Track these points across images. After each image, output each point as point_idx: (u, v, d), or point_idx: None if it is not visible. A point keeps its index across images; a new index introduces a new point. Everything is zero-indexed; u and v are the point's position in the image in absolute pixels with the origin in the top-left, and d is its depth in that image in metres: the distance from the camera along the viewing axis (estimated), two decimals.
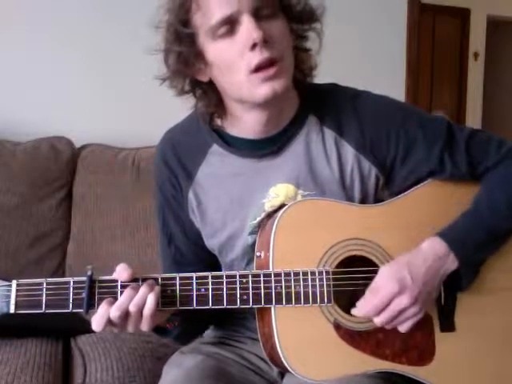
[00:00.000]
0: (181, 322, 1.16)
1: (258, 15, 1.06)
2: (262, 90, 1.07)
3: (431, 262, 1.09)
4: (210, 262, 1.26)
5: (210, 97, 1.16)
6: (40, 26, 2.35)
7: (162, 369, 1.23)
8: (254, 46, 1.05)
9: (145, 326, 1.04)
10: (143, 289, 1.03)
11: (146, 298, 1.02)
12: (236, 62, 1.07)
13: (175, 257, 1.28)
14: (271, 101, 1.09)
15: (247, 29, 1.05)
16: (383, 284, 1.07)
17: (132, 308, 1.01)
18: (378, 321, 1.08)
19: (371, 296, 1.08)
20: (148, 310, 1.02)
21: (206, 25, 1.07)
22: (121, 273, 1.04)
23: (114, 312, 1.01)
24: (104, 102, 2.43)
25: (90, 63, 2.40)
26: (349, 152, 1.18)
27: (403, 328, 1.09)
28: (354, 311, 1.09)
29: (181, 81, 1.16)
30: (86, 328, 1.75)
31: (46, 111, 2.37)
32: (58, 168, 2.12)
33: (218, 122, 1.22)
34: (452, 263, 1.11)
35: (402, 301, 1.06)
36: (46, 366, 1.55)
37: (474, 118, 5.90)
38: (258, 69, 1.06)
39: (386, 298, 1.06)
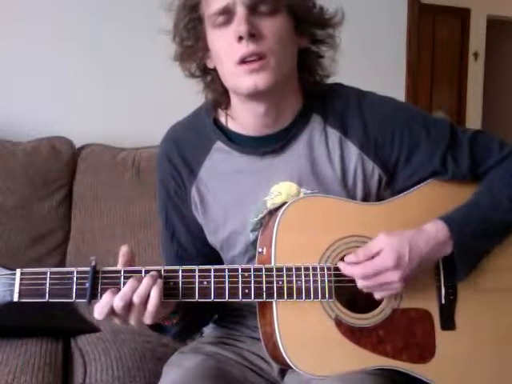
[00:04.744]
0: (181, 318, 1.16)
1: (255, 10, 1.08)
2: (245, 82, 1.10)
3: (431, 245, 1.10)
4: (213, 257, 1.26)
5: (217, 85, 1.18)
6: (40, 26, 2.35)
7: (162, 369, 1.23)
8: (240, 39, 1.07)
9: (148, 319, 1.04)
10: (146, 280, 1.03)
11: (150, 290, 1.02)
12: (226, 51, 1.11)
13: (178, 252, 1.28)
14: (255, 94, 1.11)
15: (237, 21, 1.08)
16: (381, 252, 1.07)
17: (136, 299, 1.02)
18: (361, 285, 1.08)
19: (364, 258, 1.07)
20: (152, 303, 1.02)
21: (207, 13, 1.11)
22: (122, 254, 1.06)
23: (118, 302, 1.01)
24: (104, 102, 2.43)
25: (90, 63, 2.40)
26: (352, 152, 1.18)
27: (378, 296, 1.09)
28: (341, 266, 1.09)
29: (188, 64, 1.19)
30: (86, 328, 1.77)
31: (46, 111, 2.37)
32: (58, 168, 2.12)
33: (222, 118, 1.23)
34: (447, 248, 1.11)
35: (392, 276, 1.06)
36: (46, 366, 1.55)
37: (474, 118, 5.90)
38: (244, 61, 1.08)
39: (378, 269, 1.06)
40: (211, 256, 1.27)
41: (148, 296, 1.02)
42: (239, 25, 1.07)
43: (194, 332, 1.34)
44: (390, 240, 1.08)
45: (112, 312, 1.02)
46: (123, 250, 1.08)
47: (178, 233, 1.28)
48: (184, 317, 1.16)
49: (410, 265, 1.07)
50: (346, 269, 1.09)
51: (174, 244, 1.29)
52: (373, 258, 1.07)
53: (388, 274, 1.06)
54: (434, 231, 1.10)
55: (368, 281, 1.07)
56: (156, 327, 1.16)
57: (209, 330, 1.37)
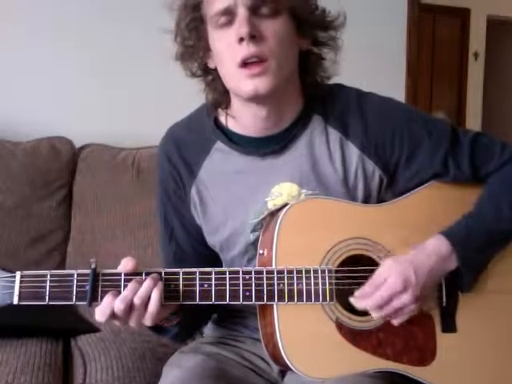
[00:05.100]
0: (181, 319, 1.16)
1: (256, 11, 1.08)
2: (246, 86, 1.10)
3: (434, 261, 1.10)
4: (211, 258, 1.26)
5: (218, 85, 1.18)
6: (41, 26, 2.35)
7: (162, 369, 1.23)
8: (241, 40, 1.07)
9: (148, 321, 1.04)
10: (147, 282, 1.03)
11: (151, 292, 1.02)
12: (227, 52, 1.10)
13: (176, 253, 1.28)
14: (256, 98, 1.11)
15: (238, 22, 1.08)
16: (387, 279, 1.07)
17: (136, 301, 1.01)
18: (377, 315, 1.08)
19: (373, 289, 1.07)
20: (153, 305, 1.02)
21: (209, 13, 1.11)
22: (126, 264, 1.04)
23: (119, 304, 1.01)
24: (104, 102, 2.43)
25: (90, 63, 2.40)
26: (353, 152, 1.18)
27: (397, 322, 1.09)
28: (352, 300, 1.09)
29: (189, 64, 1.19)
30: (86, 328, 1.77)
31: (46, 111, 2.37)
32: (58, 168, 2.12)
33: (223, 119, 1.23)
34: (452, 263, 1.11)
35: (404, 299, 1.06)
36: (46, 366, 1.55)
37: (474, 118, 5.90)
38: (245, 64, 1.08)
39: (388, 295, 1.06)
40: (209, 257, 1.27)
41: (149, 298, 1.02)
42: (240, 26, 1.07)
43: (193, 332, 1.34)
44: (392, 265, 1.08)
45: (113, 314, 1.02)
46: (130, 264, 1.05)
47: (176, 233, 1.28)
48: (184, 317, 1.16)
49: (418, 285, 1.07)
50: (358, 303, 1.09)
51: (172, 244, 1.29)
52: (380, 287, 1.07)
53: (400, 299, 1.06)
54: (436, 247, 1.10)
55: (382, 310, 1.07)
56: (156, 328, 1.16)
57: (209, 330, 1.37)
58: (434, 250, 1.10)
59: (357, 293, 1.09)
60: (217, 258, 1.28)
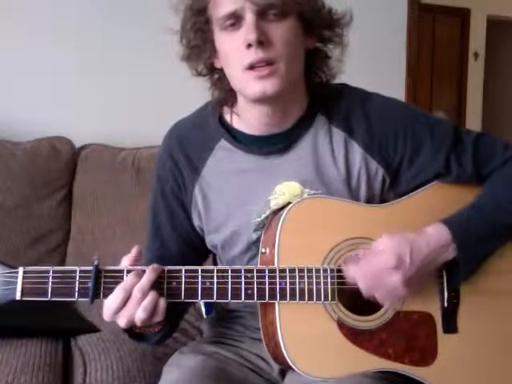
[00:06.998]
0: (163, 326, 1.14)
1: (263, 15, 1.08)
2: (253, 88, 1.09)
3: (433, 247, 1.09)
4: (192, 261, 1.25)
5: (223, 84, 1.18)
6: (40, 26, 2.35)
7: (162, 369, 1.23)
8: (249, 46, 1.07)
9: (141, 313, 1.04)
10: (148, 273, 1.04)
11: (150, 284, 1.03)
12: (234, 56, 1.10)
13: (159, 249, 1.27)
14: (263, 100, 1.11)
15: (246, 27, 1.07)
16: (380, 253, 1.07)
17: (135, 292, 1.03)
18: (362, 286, 1.08)
19: (365, 261, 1.07)
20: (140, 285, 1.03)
21: (215, 15, 1.11)
22: (125, 259, 1.07)
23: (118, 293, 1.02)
24: (104, 102, 2.43)
25: (90, 63, 2.40)
26: (357, 152, 1.18)
27: (380, 299, 1.08)
28: (343, 267, 1.08)
29: (195, 64, 1.18)
30: (86, 328, 1.77)
31: (46, 111, 2.37)
32: (58, 168, 2.12)
33: (227, 117, 1.23)
34: (451, 253, 1.11)
35: (394, 279, 1.06)
36: (46, 366, 1.55)
37: (474, 118, 5.91)
38: (252, 67, 1.08)
39: (378, 268, 1.06)
40: (191, 260, 1.24)
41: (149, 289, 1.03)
42: (248, 32, 1.06)
43: (169, 337, 1.31)
44: (391, 241, 1.08)
45: (119, 308, 1.03)
46: (135, 250, 1.08)
47: (163, 229, 1.27)
48: (165, 324, 1.15)
49: (411, 267, 1.07)
50: (346, 270, 1.08)
51: (156, 240, 1.27)
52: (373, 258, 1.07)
53: (389, 277, 1.06)
54: (436, 234, 1.10)
55: (368, 281, 1.07)
56: (136, 337, 1.17)
57: (208, 330, 1.37)
58: (435, 237, 1.10)
59: (348, 259, 1.09)
60: (199, 262, 1.28)
